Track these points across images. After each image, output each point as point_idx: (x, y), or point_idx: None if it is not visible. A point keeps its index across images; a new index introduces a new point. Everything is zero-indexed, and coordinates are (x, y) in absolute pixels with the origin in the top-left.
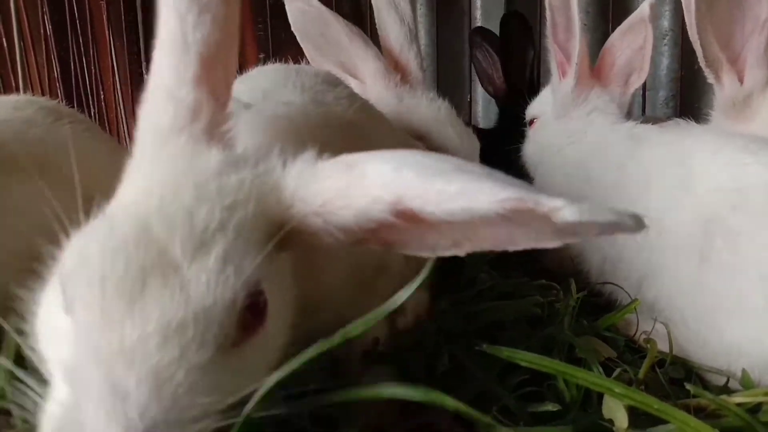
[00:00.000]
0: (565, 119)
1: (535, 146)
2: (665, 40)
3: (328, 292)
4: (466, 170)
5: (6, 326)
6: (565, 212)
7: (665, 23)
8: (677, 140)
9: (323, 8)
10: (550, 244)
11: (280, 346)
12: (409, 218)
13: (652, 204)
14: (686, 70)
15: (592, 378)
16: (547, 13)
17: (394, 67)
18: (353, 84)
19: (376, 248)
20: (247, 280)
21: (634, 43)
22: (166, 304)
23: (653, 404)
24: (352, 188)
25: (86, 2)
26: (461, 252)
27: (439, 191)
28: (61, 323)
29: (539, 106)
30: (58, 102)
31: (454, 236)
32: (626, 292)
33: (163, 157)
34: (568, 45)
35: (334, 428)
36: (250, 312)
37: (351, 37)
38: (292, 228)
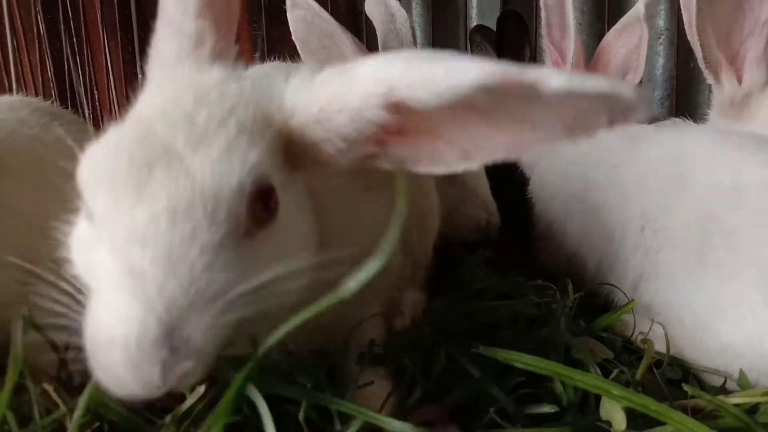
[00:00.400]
0: None
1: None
2: (661, 40)
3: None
4: (454, 57)
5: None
6: (552, 81)
7: (661, 22)
8: (673, 139)
9: (330, 20)
10: (562, 141)
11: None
12: (403, 112)
13: (648, 203)
14: (682, 70)
15: (589, 380)
16: (542, 13)
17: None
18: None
19: (387, 166)
20: (253, 169)
21: (630, 42)
22: (172, 187)
23: (651, 405)
24: (345, 89)
25: (80, 1)
26: (473, 165)
27: (426, 74)
28: (85, 233)
29: None
30: (52, 103)
31: (463, 146)
32: (623, 292)
33: (169, 80)
34: (563, 44)
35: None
36: (262, 205)
37: (355, 52)
38: (297, 141)
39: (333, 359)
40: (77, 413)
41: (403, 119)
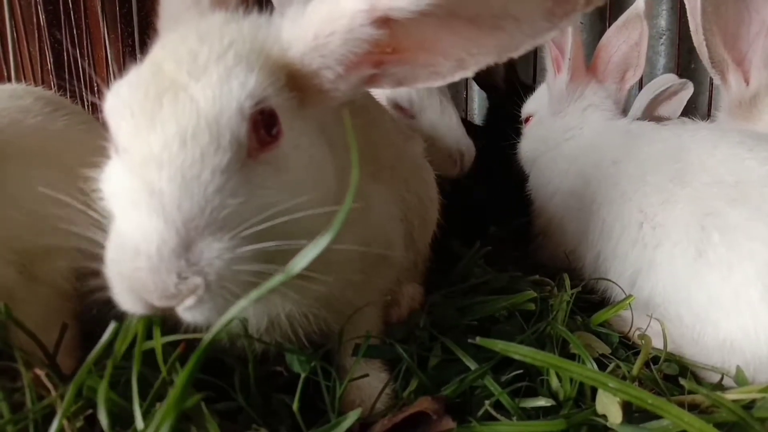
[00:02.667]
0: (560, 115)
1: (530, 142)
2: (662, 40)
3: (342, 274)
4: None
5: None
6: None
7: (662, 22)
8: (673, 136)
9: None
10: (545, 34)
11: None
12: (390, 25)
13: (647, 199)
14: (683, 70)
15: (586, 372)
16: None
17: None
18: None
19: (390, 85)
20: (252, 92)
21: (630, 39)
22: (180, 114)
23: (647, 399)
24: (333, 12)
25: None
26: (469, 72)
27: None
28: (112, 164)
29: (535, 104)
30: (55, 92)
31: (456, 54)
32: (620, 288)
33: (175, 27)
34: (562, 41)
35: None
36: (264, 127)
37: None
38: (298, 72)
39: (329, 349)
40: (67, 399)
41: (393, 35)
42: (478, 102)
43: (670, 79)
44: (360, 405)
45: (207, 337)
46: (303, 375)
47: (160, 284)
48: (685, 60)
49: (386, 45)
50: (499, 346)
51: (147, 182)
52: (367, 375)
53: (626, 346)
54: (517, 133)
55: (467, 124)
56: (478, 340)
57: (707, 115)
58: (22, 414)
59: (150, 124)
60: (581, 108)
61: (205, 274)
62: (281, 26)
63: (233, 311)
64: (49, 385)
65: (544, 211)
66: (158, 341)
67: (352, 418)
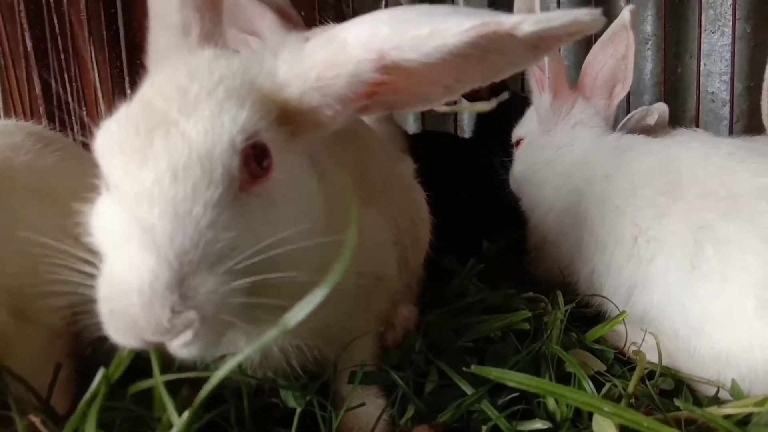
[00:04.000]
0: (550, 134)
1: (522, 164)
2: (648, 45)
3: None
4: (432, 13)
5: None
6: (524, 25)
7: (648, 28)
8: (663, 148)
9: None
10: (529, 62)
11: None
12: (393, 71)
13: (640, 213)
14: (669, 74)
15: (581, 397)
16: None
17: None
18: (254, 44)
19: (379, 111)
20: (243, 127)
21: (617, 52)
22: (171, 150)
23: (642, 422)
24: (338, 57)
25: (67, 17)
26: (455, 96)
27: (413, 37)
28: (102, 201)
29: (524, 127)
30: (45, 127)
31: (444, 82)
32: (614, 304)
33: (164, 65)
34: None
35: None
36: (256, 163)
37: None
38: (294, 108)
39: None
40: None
41: (393, 75)
42: (467, 115)
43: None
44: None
45: (212, 380)
46: (298, 410)
47: (154, 320)
48: (671, 64)
49: (383, 82)
50: (494, 374)
51: (138, 218)
52: (363, 404)
53: (622, 362)
54: (506, 146)
55: (455, 139)
56: (474, 368)
57: (695, 120)
58: None
59: (141, 160)
60: (570, 125)
61: (200, 308)
62: (276, 64)
63: (239, 358)
64: (42, 430)
65: (539, 229)
66: (158, 380)
67: None
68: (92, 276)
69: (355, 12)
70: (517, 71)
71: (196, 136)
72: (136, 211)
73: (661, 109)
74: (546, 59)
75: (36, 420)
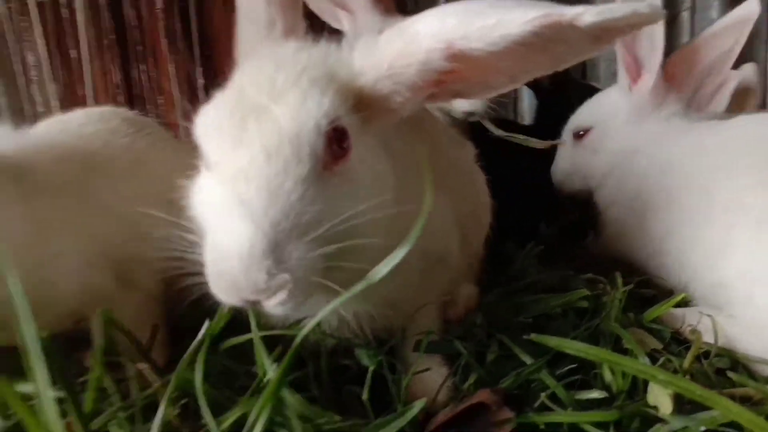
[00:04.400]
0: (638, 123)
1: (604, 156)
2: None
3: (404, 277)
4: (498, 5)
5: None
6: (586, 16)
7: (713, 14)
8: (748, 124)
9: None
10: (591, 53)
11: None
12: (461, 59)
13: (736, 182)
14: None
15: (636, 365)
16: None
17: None
18: (343, 17)
19: (447, 99)
20: (327, 112)
21: (724, 45)
22: (263, 133)
23: (696, 390)
24: (409, 47)
25: (143, 11)
26: (519, 85)
27: (480, 27)
28: (203, 179)
29: (592, 115)
30: (137, 113)
31: (509, 71)
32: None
33: (253, 56)
34: (640, 46)
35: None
36: (337, 144)
37: None
38: (367, 96)
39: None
40: (170, 388)
41: (461, 63)
42: (527, 101)
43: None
44: (423, 397)
45: (302, 332)
46: (371, 368)
47: (252, 281)
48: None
49: (451, 70)
50: (553, 342)
51: (237, 193)
52: (428, 369)
53: (679, 342)
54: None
55: (514, 125)
56: (533, 336)
57: (762, 101)
58: (129, 402)
59: (237, 142)
60: (663, 116)
61: (292, 272)
62: (352, 55)
63: (327, 309)
64: (152, 377)
65: (621, 216)
66: (256, 336)
67: (417, 407)
68: (188, 244)
69: (417, 0)
70: (579, 61)
71: (284, 121)
72: (235, 187)
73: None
74: (658, 57)
75: (144, 367)
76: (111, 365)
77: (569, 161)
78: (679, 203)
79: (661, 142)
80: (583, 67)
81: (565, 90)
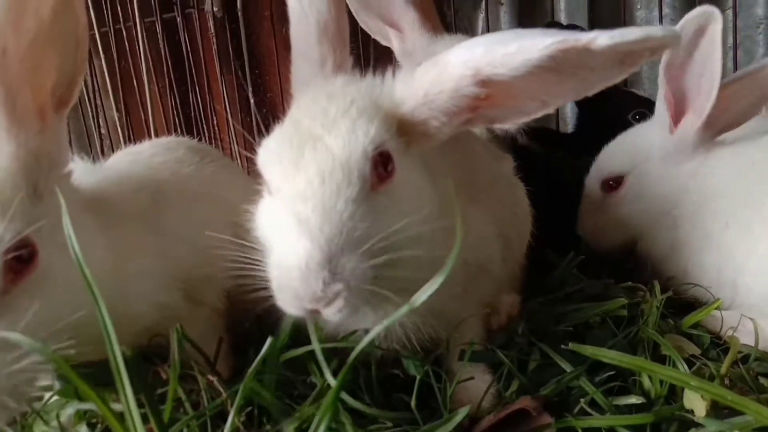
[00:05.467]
0: (681, 163)
1: (650, 202)
2: (760, 29)
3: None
4: (522, 35)
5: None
6: (599, 40)
7: (759, 11)
8: None
9: None
10: (617, 77)
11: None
12: (489, 84)
13: None
14: None
15: (668, 372)
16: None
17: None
18: (392, 35)
19: (482, 124)
20: (373, 139)
21: (757, 89)
22: (319, 159)
23: (727, 396)
24: (441, 75)
25: (196, 35)
26: (550, 110)
27: (503, 54)
28: (266, 202)
29: (625, 160)
30: (199, 141)
31: (539, 97)
32: (709, 291)
33: (307, 90)
34: (685, 83)
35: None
36: (383, 167)
37: None
38: (408, 122)
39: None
40: (238, 398)
41: (490, 89)
42: (570, 108)
43: None
44: (467, 404)
45: (363, 342)
46: (418, 377)
47: (310, 291)
48: None
49: (483, 96)
50: (589, 350)
51: (296, 213)
52: (472, 378)
53: (718, 346)
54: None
55: (555, 135)
56: (571, 345)
57: None
58: (200, 411)
59: (295, 168)
60: (704, 149)
61: (345, 281)
62: (393, 86)
63: (384, 324)
64: (221, 388)
65: (686, 255)
66: (317, 347)
67: (462, 413)
68: (251, 263)
69: (456, 13)
70: (607, 86)
71: (336, 148)
72: (294, 208)
73: None
74: (711, 101)
75: (213, 379)
76: (182, 377)
77: (603, 215)
78: (740, 222)
79: (709, 173)
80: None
81: (607, 98)
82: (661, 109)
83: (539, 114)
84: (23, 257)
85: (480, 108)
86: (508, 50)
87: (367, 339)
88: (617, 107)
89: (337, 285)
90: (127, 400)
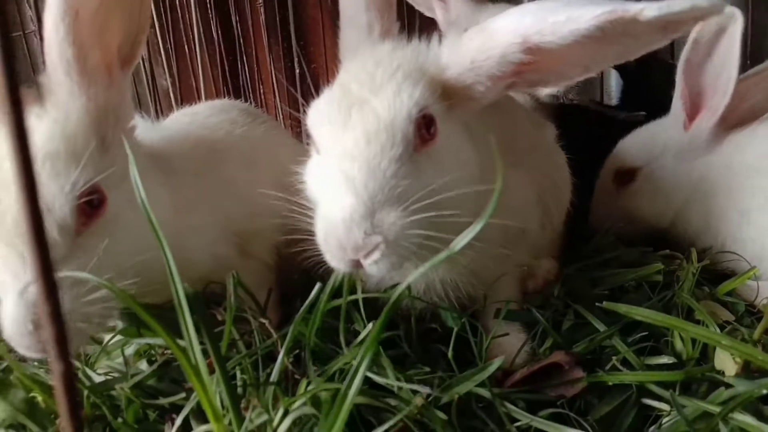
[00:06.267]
0: (693, 159)
1: (662, 198)
2: None
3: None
4: (571, 3)
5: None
6: (647, 12)
7: None
8: None
9: None
10: (659, 43)
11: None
12: (536, 52)
13: None
14: None
15: (700, 331)
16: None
17: None
18: (436, 5)
19: (525, 88)
20: (417, 102)
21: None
22: (365, 121)
23: (758, 356)
24: (489, 42)
25: (245, 6)
26: (592, 74)
27: (552, 23)
28: (314, 161)
29: (639, 154)
30: (250, 104)
31: (583, 62)
32: (746, 260)
33: (355, 56)
34: (702, 81)
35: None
36: (426, 130)
37: None
38: (452, 87)
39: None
40: (288, 339)
41: (536, 56)
42: (615, 82)
43: None
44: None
45: (398, 290)
46: (455, 329)
47: (353, 239)
48: None
49: (528, 62)
50: (623, 309)
51: (343, 171)
52: (507, 334)
53: (753, 314)
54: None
55: (600, 106)
56: (605, 304)
57: None
58: (252, 351)
59: (343, 129)
60: (717, 143)
61: (385, 234)
62: (440, 52)
63: (418, 272)
64: (272, 330)
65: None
66: (360, 297)
67: (497, 362)
68: (300, 219)
69: None
70: (648, 51)
71: (382, 110)
72: (341, 166)
73: None
74: (710, 86)
75: (265, 321)
76: (236, 320)
77: (615, 206)
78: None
79: (724, 164)
80: (671, 47)
81: (651, 70)
82: (677, 106)
83: (581, 78)
84: (93, 203)
85: (523, 73)
86: (557, 19)
87: (402, 285)
88: (661, 80)
89: (376, 237)
90: (189, 333)
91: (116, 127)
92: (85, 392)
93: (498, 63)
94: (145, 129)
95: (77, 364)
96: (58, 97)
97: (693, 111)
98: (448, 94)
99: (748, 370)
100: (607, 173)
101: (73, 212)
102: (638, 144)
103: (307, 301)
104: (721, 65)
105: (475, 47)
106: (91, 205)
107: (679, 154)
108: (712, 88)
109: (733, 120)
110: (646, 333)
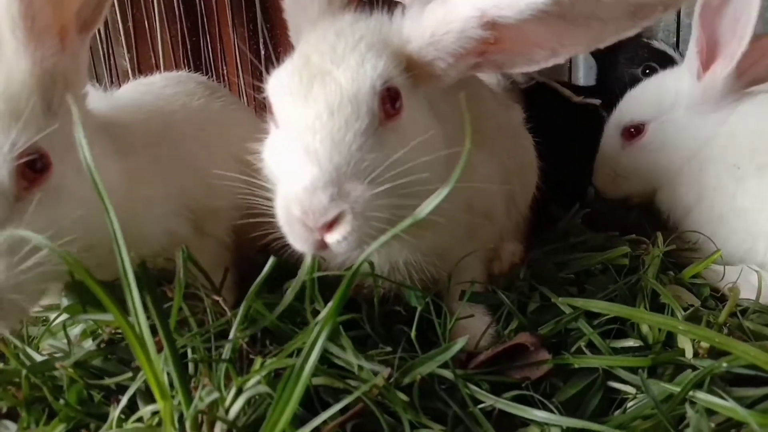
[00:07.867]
0: (707, 112)
1: (673, 152)
2: None
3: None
4: None
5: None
6: None
7: None
8: None
9: None
10: (629, 30)
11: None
12: (496, 27)
13: None
14: None
15: (656, 318)
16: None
17: None
18: None
19: (491, 70)
20: (381, 74)
21: None
22: (328, 93)
23: (714, 338)
24: (448, 16)
25: None
26: (560, 59)
27: None
28: (273, 136)
29: (647, 108)
30: (209, 78)
31: (548, 45)
32: (711, 240)
33: (315, 27)
34: (718, 29)
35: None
36: (391, 103)
37: None
38: (414, 62)
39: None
40: (240, 316)
41: (497, 32)
42: (582, 64)
43: None
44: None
45: (358, 262)
46: (419, 308)
47: (316, 201)
48: None
49: (490, 39)
50: (580, 303)
51: (304, 144)
52: (472, 315)
53: (718, 300)
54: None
55: (570, 87)
56: (561, 299)
57: None
58: (205, 328)
59: (304, 101)
60: (732, 98)
61: (351, 206)
62: (402, 24)
63: (374, 245)
64: (226, 308)
65: (709, 204)
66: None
67: (460, 343)
68: (259, 199)
69: None
70: (619, 38)
71: (345, 82)
72: (303, 139)
73: None
74: (726, 33)
75: (219, 299)
76: (188, 297)
77: (622, 163)
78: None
79: (741, 121)
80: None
81: (618, 49)
82: (692, 53)
83: (549, 63)
84: (36, 166)
85: (488, 53)
86: None
87: (370, 249)
88: (629, 61)
89: (342, 203)
90: (135, 305)
91: (64, 93)
92: (24, 372)
93: (457, 38)
94: (97, 98)
95: (17, 342)
96: (2, 55)
97: (708, 60)
98: (411, 68)
99: (714, 354)
100: (613, 128)
101: (12, 174)
102: (647, 97)
103: (259, 277)
104: (740, 10)
105: (435, 21)
106: (33, 169)
107: (692, 107)
108: (730, 34)
109: (749, 77)
110: (612, 316)
